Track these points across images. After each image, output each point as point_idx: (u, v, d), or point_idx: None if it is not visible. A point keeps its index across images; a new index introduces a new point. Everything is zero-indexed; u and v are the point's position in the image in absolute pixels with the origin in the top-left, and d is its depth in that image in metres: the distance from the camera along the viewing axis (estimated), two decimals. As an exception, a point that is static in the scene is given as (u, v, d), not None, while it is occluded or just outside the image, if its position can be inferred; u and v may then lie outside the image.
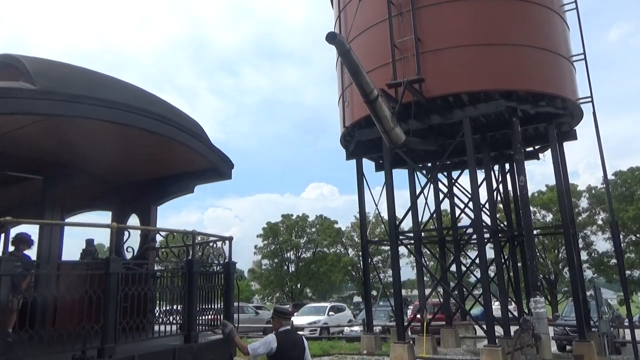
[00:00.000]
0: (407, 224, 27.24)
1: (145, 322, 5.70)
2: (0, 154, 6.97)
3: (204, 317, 6.42)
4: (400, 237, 17.80)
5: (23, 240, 6.19)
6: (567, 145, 18.11)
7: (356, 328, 24.20)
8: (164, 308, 6.66)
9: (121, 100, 6.00)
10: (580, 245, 29.63)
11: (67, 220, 8.60)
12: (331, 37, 11.34)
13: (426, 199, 19.32)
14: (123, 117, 6.02)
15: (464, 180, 34.49)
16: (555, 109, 15.60)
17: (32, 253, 6.66)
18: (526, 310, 16.70)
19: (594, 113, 16.40)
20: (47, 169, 7.80)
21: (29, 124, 6.24)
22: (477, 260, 16.83)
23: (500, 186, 19.59)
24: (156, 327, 6.30)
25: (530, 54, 15.52)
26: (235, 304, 6.95)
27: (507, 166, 19.74)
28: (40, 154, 7.49)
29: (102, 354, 4.75)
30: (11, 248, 5.62)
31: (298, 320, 24.94)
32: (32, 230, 7.73)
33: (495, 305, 18.46)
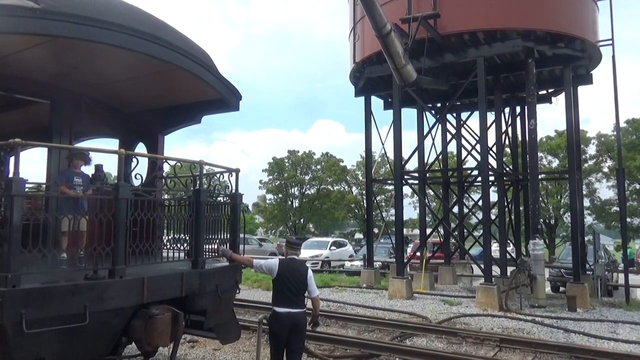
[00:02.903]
0: (412, 165, 27.28)
1: (154, 247, 5.87)
2: (6, 76, 6.88)
3: (210, 246, 6.59)
4: (405, 176, 17.88)
5: (79, 156, 6.18)
6: (581, 90, 17.72)
7: (357, 263, 24.93)
8: (172, 236, 6.84)
9: (128, 24, 5.81)
10: (584, 192, 29.73)
11: (75, 145, 8.63)
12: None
13: (433, 139, 19.26)
14: (130, 42, 5.85)
15: (473, 122, 34.15)
16: (574, 51, 15.13)
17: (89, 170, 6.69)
18: (524, 253, 17.08)
19: (613, 57, 15.91)
20: (54, 93, 7.72)
21: (33, 45, 6.10)
22: (480, 203, 16.99)
23: (509, 129, 19.41)
24: (164, 254, 6.49)
25: (552, -9, 14.81)
26: (241, 234, 7.10)
27: (517, 109, 19.45)
28: (47, 78, 7.38)
29: (113, 275, 4.93)
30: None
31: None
32: (41, 153, 7.82)
33: (494, 247, 18.87)
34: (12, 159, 4.90)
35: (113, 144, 9.18)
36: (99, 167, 6.94)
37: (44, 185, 7.57)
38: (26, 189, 4.97)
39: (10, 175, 4.58)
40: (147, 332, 5.10)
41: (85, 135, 9.34)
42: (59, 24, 5.22)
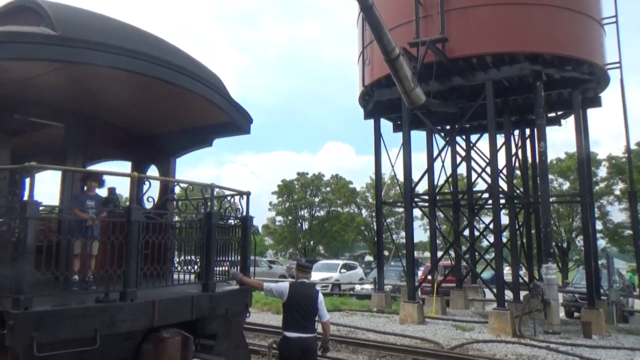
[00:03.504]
0: (421, 187, 27.17)
1: (165, 270, 5.87)
2: (22, 100, 7.02)
3: (220, 268, 6.58)
4: (415, 199, 17.82)
5: (93, 178, 6.15)
6: (591, 112, 17.69)
7: (367, 286, 24.67)
8: (182, 258, 6.84)
9: (142, 49, 5.94)
10: (596, 215, 29.37)
11: (88, 168, 8.73)
12: (355, -9, 11.01)
13: (443, 161, 19.22)
14: (144, 67, 5.97)
15: (483, 144, 34.04)
16: (582, 74, 15.16)
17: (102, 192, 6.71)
18: (537, 276, 16.81)
19: (621, 80, 15.96)
20: (68, 116, 7.84)
21: (50, 70, 6.24)
22: (491, 225, 16.83)
23: (519, 151, 19.35)
24: (175, 276, 6.48)
25: (559, 15, 14.96)
26: (252, 257, 7.08)
27: (527, 131, 19.41)
28: (62, 102, 7.51)
29: (124, 297, 4.92)
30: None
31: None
32: (55, 175, 7.91)
33: (506, 270, 18.60)
34: (27, 181, 4.98)
35: (125, 166, 9.28)
36: (111, 190, 7.00)
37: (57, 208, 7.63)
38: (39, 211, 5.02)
39: (25, 197, 4.63)
40: (158, 356, 5.06)
41: (98, 157, 9.45)
42: (75, 50, 5.34)
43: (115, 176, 6.49)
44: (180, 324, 5.47)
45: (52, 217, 7.42)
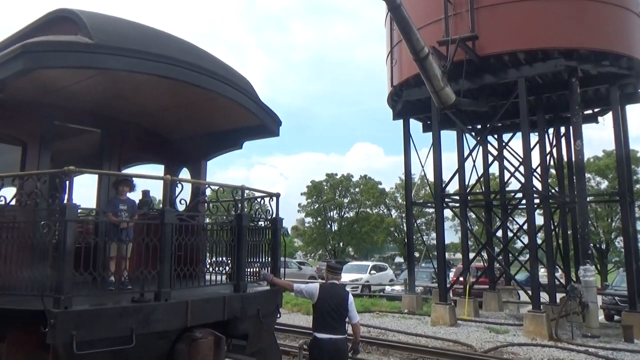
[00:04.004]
0: (452, 188, 26.80)
1: (197, 271, 5.97)
2: (61, 107, 7.28)
3: (251, 270, 6.65)
4: (446, 199, 17.58)
5: (124, 183, 6.34)
6: (630, 109, 17.10)
7: (397, 287, 24.50)
8: (213, 259, 6.94)
9: (174, 55, 6.08)
10: (637, 215, 28.30)
11: (123, 171, 8.97)
12: (382, -9, 10.97)
13: (474, 161, 18.90)
14: (175, 72, 6.10)
15: (515, 143, 33.31)
16: (620, 69, 14.67)
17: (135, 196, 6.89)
18: (574, 278, 16.33)
19: (663, 73, 15.27)
20: (104, 122, 8.09)
21: (87, 78, 6.45)
22: (525, 226, 16.45)
23: (554, 150, 18.86)
24: (207, 277, 6.58)
25: (594, 8, 14.53)
26: (282, 258, 7.12)
27: (562, 129, 18.91)
28: (98, 108, 7.75)
29: (159, 298, 5.04)
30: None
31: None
32: (91, 179, 8.16)
33: (541, 272, 18.13)
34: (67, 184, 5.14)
35: (158, 169, 9.48)
36: (146, 193, 7.17)
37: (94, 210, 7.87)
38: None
39: (65, 200, 4.79)
40: (191, 355, 5.14)
41: (132, 161, 9.69)
42: (111, 58, 5.51)
43: (149, 179, 6.65)
44: (212, 324, 5.56)
45: (89, 219, 7.66)
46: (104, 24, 5.78)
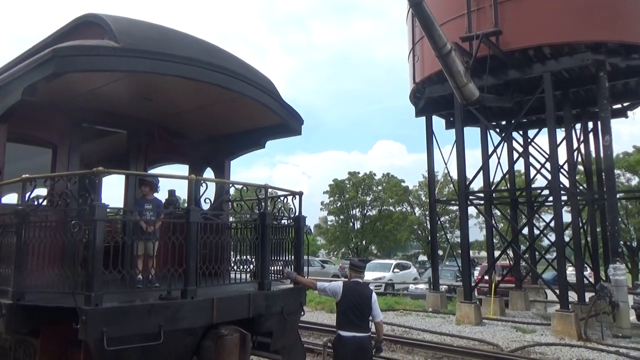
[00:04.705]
0: (476, 185, 26.46)
1: (222, 269, 6.05)
2: (89, 110, 7.47)
3: (275, 267, 6.70)
4: (470, 196, 17.38)
5: (147, 184, 6.31)
6: (662, 102, 16.57)
7: (421, 286, 24.33)
8: (238, 258, 7.02)
9: (198, 57, 6.17)
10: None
11: (149, 171, 9.15)
12: (404, -12, 10.89)
13: (499, 158, 18.63)
14: (199, 74, 6.20)
15: (541, 139, 32.70)
16: (650, 62, 14.23)
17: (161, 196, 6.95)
18: (603, 277, 15.95)
19: (696, 66, 14.75)
20: (130, 123, 8.27)
21: (113, 80, 6.60)
22: (552, 223, 16.14)
23: (582, 146, 18.45)
24: (231, 275, 6.67)
25: None
26: (305, 257, 7.16)
27: (590, 125, 18.48)
28: (124, 110, 7.93)
29: (185, 295, 5.13)
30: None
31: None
32: (118, 179, 8.34)
33: (569, 270, 17.77)
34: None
35: (183, 169, 9.64)
36: (171, 192, 7.30)
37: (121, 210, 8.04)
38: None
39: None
40: (217, 352, 5.22)
41: (158, 162, 9.87)
42: (136, 60, 5.64)
43: (174, 179, 6.76)
44: (238, 321, 5.63)
45: (117, 219, 7.84)
46: (129, 28, 5.91)
